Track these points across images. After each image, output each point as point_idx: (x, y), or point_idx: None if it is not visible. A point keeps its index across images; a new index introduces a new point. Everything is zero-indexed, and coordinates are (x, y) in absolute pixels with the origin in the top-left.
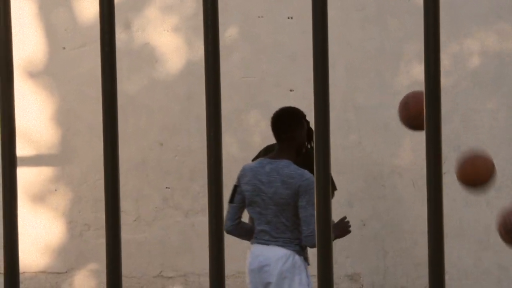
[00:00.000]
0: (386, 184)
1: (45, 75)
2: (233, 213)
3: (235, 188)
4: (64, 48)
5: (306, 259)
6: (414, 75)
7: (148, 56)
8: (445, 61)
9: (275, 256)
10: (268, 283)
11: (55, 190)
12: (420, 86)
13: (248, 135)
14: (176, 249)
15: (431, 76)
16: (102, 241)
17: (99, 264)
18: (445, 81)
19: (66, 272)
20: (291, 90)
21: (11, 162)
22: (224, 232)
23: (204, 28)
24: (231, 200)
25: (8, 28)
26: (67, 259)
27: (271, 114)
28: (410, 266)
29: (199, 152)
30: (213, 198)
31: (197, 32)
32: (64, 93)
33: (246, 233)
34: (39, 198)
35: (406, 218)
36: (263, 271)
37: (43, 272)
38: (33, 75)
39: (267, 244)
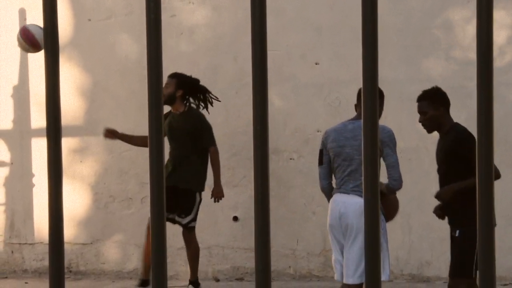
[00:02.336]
0: (413, 158)
1: (70, 46)
2: (324, 173)
3: (321, 152)
4: (89, 20)
5: (382, 211)
6: (440, 50)
7: (174, 28)
8: (472, 32)
9: (356, 204)
10: (347, 226)
11: (81, 161)
12: (446, 61)
13: (272, 107)
14: (200, 222)
15: (483, 52)
16: (127, 212)
17: (124, 235)
18: (472, 55)
19: (91, 243)
20: (316, 63)
21: (56, 139)
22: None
23: None
24: (320, 163)
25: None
26: (92, 230)
27: (296, 86)
28: (435, 241)
29: (223, 125)
30: (259, 162)
31: (223, 5)
32: (89, 65)
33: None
34: (65, 169)
35: (432, 192)
36: (343, 216)
37: (68, 243)
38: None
39: (348, 193)
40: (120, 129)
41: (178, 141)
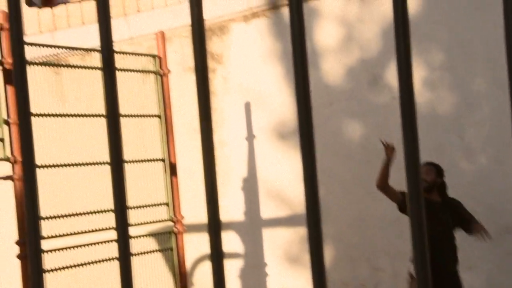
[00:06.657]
0: None
1: (294, 136)
2: None
3: None
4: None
5: None
6: None
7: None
8: None
9: None
10: None
11: None
12: None
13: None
14: None
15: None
16: None
17: None
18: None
19: None
20: None
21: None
22: None
23: None
24: None
25: None
26: None
27: None
28: None
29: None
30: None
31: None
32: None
33: None
34: (295, 258)
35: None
36: None
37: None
38: (283, 136)
39: None
40: (350, 217)
41: (445, 228)
